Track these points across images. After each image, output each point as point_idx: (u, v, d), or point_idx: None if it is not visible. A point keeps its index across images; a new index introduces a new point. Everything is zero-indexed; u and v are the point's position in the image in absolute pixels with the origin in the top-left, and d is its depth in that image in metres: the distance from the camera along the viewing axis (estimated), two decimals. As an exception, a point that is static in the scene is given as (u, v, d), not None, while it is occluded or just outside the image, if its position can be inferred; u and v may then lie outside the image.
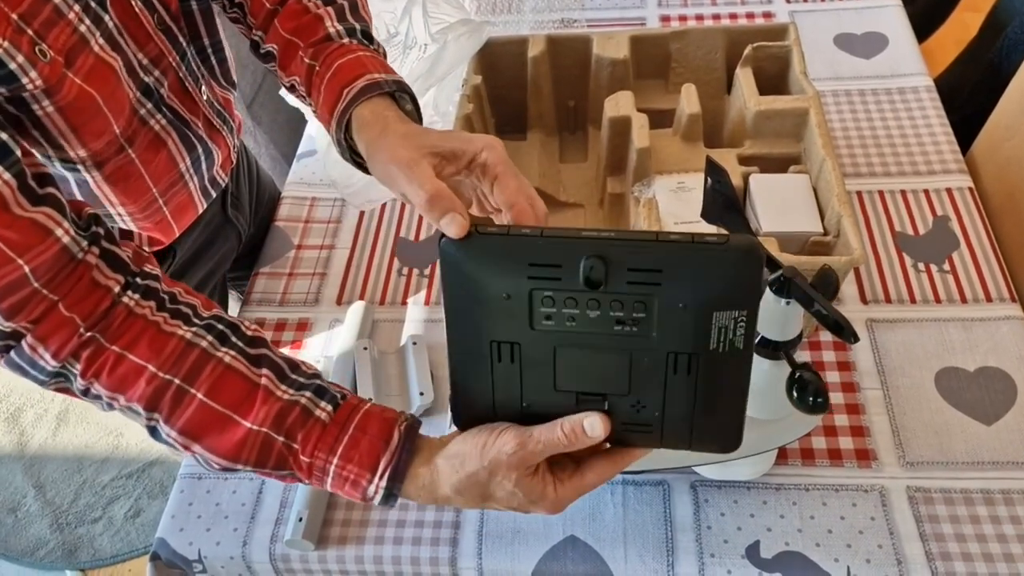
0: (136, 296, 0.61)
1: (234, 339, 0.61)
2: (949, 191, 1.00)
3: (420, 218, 1.06)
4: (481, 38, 1.01)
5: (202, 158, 0.81)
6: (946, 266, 0.93)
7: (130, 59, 0.67)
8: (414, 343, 0.89)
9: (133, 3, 0.67)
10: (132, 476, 1.78)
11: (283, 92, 1.11)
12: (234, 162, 0.92)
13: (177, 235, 0.86)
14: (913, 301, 0.90)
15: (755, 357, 0.65)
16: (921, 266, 0.93)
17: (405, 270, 1.00)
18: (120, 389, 0.59)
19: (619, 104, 0.93)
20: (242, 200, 1.00)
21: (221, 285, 1.03)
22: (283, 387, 0.60)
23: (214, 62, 0.81)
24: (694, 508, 0.77)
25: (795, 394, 0.60)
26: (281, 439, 0.59)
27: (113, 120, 0.66)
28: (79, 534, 1.71)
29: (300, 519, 0.76)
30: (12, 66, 0.56)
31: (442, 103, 1.12)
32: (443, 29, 1.02)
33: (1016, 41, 1.36)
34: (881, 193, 1.01)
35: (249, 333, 0.62)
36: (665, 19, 1.29)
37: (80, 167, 0.68)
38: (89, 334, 0.58)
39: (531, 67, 1.01)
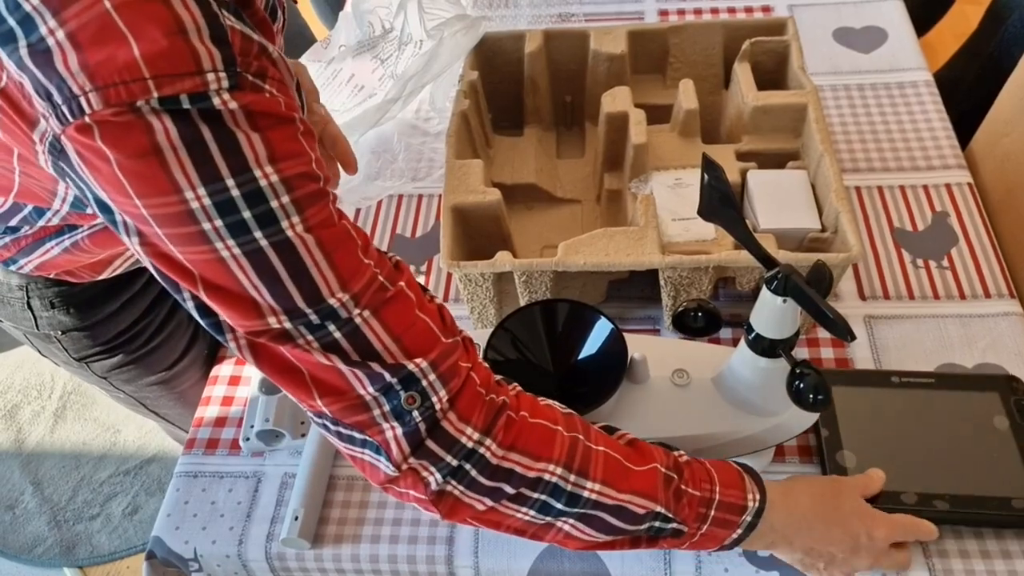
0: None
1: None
2: (948, 187, 0.99)
3: (416, 215, 1.05)
4: (477, 34, 1.00)
5: None
6: (945, 262, 0.92)
7: None
8: (410, 340, 0.89)
9: None
10: (130, 473, 1.77)
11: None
12: None
13: None
14: (911, 297, 0.90)
15: (752, 355, 0.65)
16: (920, 262, 0.93)
17: (401, 267, 1.00)
18: (539, 451, 0.56)
19: (616, 99, 0.93)
20: None
21: None
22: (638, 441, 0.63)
23: None
24: (691, 506, 0.76)
25: (795, 392, 0.60)
26: (676, 477, 0.60)
27: None
28: (77, 531, 1.70)
29: (296, 518, 0.76)
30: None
31: (439, 99, 1.12)
32: (439, 25, 1.02)
33: (1016, 35, 1.35)
34: (880, 189, 1.00)
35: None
36: (663, 13, 1.29)
37: None
38: (502, 399, 0.56)
39: (528, 63, 1.01)
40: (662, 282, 0.82)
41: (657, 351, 0.72)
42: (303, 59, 1.13)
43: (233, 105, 0.44)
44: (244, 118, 0.45)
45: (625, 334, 0.69)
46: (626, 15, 1.29)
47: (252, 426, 0.83)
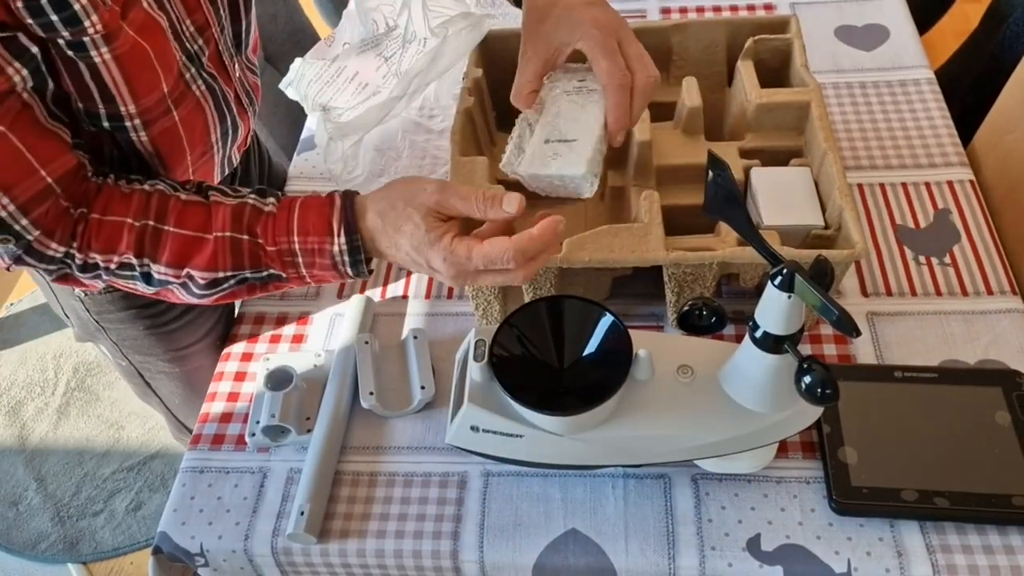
0: (97, 175, 0.71)
1: (184, 187, 0.72)
2: (950, 184, 1.00)
3: (421, 212, 1.05)
4: (481, 31, 1.00)
5: (229, 131, 0.84)
6: (947, 259, 0.93)
7: (175, 22, 0.71)
8: (415, 337, 0.89)
9: None
10: (133, 469, 1.78)
11: (282, 85, 1.11)
12: (248, 144, 0.94)
13: None
14: (914, 294, 0.90)
15: (756, 351, 0.65)
16: (922, 259, 0.93)
17: (406, 264, 1.00)
18: (111, 247, 0.68)
19: (620, 97, 0.93)
20: (251, 182, 1.01)
21: None
22: (229, 197, 0.70)
23: (243, 43, 0.84)
24: (695, 501, 0.77)
25: (803, 386, 0.60)
26: (245, 237, 0.68)
27: (163, 77, 0.70)
28: (80, 527, 1.71)
29: (302, 513, 0.76)
30: (76, 7, 0.60)
31: (443, 97, 1.12)
32: (443, 23, 1.02)
33: (1017, 33, 1.36)
34: (882, 186, 1.01)
35: (191, 185, 0.72)
36: (665, 11, 1.29)
37: (128, 125, 0.70)
38: (79, 211, 0.68)
39: (531, 60, 1.01)
40: (666, 278, 0.82)
41: (661, 347, 0.73)
42: (307, 57, 1.13)
43: None
44: None
45: (629, 330, 0.70)
46: (628, 13, 1.29)
47: (258, 422, 0.84)
